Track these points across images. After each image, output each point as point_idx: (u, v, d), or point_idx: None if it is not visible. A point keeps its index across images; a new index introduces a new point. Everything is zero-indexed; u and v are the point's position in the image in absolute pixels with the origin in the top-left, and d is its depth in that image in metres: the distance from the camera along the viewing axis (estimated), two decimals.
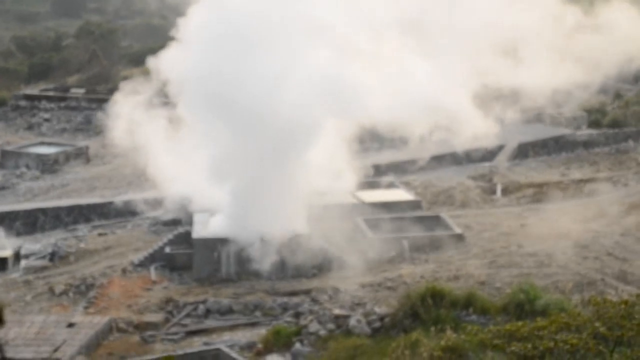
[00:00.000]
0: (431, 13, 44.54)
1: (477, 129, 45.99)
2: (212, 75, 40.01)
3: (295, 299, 36.43)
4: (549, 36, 49.00)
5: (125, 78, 63.84)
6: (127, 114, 48.87)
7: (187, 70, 41.28)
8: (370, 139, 55.07)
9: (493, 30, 45.71)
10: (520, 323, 22.91)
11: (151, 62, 44.81)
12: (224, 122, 40.21)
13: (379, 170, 53.28)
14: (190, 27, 41.75)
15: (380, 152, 58.10)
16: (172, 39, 42.68)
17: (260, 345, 32.53)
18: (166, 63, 42.56)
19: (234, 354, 31.25)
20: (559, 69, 49.40)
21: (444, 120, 45.55)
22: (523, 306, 31.65)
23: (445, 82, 43.12)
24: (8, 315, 33.34)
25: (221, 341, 32.99)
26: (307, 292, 37.11)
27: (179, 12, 42.80)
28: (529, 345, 21.34)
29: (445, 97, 43.23)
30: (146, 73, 46.87)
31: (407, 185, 50.99)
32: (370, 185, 48.39)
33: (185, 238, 41.55)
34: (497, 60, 46.62)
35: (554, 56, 49.66)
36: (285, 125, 39.16)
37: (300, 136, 39.65)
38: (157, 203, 47.29)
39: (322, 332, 32.81)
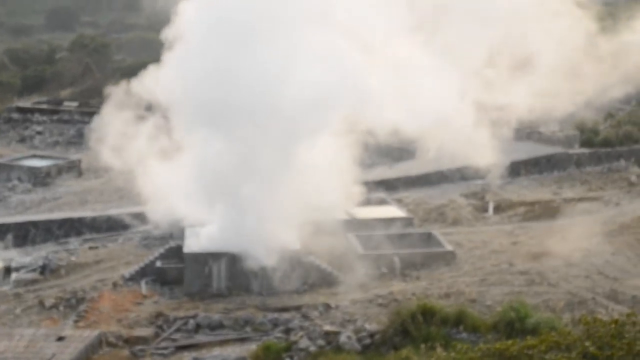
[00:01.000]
0: (440, 20, 44.02)
1: (480, 146, 45.84)
2: (206, 77, 39.03)
3: (285, 315, 36.32)
4: (558, 53, 48.76)
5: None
6: (116, 126, 48.69)
7: (179, 75, 40.28)
8: (372, 154, 54.76)
9: (501, 44, 45.50)
10: (510, 342, 22.91)
11: (140, 77, 44.17)
12: (217, 129, 39.24)
13: (387, 185, 53.23)
14: (180, 28, 40.63)
15: (379, 168, 58.13)
16: (165, 52, 42.15)
17: None
18: (156, 76, 42.09)
19: None
20: (562, 87, 49.31)
21: (448, 134, 45.28)
22: (513, 324, 31.56)
23: (452, 93, 42.67)
24: None
25: (211, 356, 32.89)
26: (297, 308, 37.02)
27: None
28: None
29: (451, 110, 42.78)
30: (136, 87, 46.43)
31: (399, 202, 50.98)
32: (362, 201, 48.25)
33: (177, 252, 41.38)
34: (501, 75, 46.43)
35: (560, 74, 49.44)
36: (287, 128, 38.40)
37: (301, 140, 38.98)
38: (148, 217, 47.15)
39: (312, 348, 32.68)
